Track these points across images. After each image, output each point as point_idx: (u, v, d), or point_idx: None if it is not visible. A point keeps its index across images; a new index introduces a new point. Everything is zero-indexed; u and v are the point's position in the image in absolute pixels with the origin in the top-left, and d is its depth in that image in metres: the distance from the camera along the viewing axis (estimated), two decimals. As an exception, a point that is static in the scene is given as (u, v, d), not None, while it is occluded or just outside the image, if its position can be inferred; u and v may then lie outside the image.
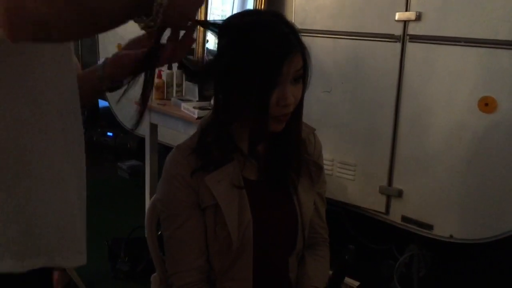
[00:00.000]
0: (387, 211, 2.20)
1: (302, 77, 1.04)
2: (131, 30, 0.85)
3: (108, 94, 3.70)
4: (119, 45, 3.19)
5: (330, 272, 1.28)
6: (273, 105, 1.00)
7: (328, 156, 2.31)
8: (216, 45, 1.06)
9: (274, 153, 1.14)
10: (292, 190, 1.15)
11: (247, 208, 1.09)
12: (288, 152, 1.12)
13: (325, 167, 2.27)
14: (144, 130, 2.88)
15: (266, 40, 0.98)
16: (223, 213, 1.06)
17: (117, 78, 1.00)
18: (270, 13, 1.09)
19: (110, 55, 1.03)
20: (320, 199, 1.23)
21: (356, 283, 2.04)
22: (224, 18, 1.08)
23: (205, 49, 2.82)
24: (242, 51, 0.99)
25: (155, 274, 1.34)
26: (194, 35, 0.92)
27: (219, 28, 1.00)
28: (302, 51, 1.02)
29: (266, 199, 1.14)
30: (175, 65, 2.87)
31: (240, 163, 1.11)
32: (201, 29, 2.70)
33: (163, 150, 2.94)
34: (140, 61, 0.86)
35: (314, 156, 1.21)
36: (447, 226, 2.02)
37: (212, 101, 1.12)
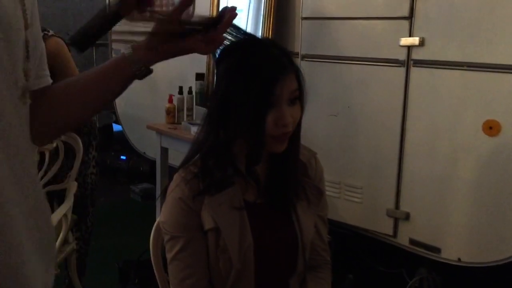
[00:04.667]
0: (394, 234, 2.20)
1: (299, 98, 1.07)
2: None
3: (121, 119, 3.79)
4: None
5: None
6: (271, 125, 1.04)
7: (335, 179, 2.33)
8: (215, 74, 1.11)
9: (273, 174, 1.16)
10: (292, 212, 1.17)
11: (248, 231, 1.11)
12: (286, 173, 1.15)
13: (332, 190, 2.31)
14: (155, 153, 2.93)
15: (258, 62, 1.03)
16: (223, 236, 1.09)
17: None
18: (262, 39, 1.14)
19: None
20: (321, 221, 1.24)
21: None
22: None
23: (215, 75, 2.88)
24: (236, 74, 1.04)
25: (161, 295, 1.36)
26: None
27: (217, 58, 1.05)
28: (296, 72, 1.06)
29: (266, 221, 1.16)
30: (185, 90, 2.94)
31: (241, 186, 1.14)
32: (211, 55, 2.76)
33: (174, 173, 2.98)
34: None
35: (315, 180, 1.23)
36: (455, 249, 2.01)
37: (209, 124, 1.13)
